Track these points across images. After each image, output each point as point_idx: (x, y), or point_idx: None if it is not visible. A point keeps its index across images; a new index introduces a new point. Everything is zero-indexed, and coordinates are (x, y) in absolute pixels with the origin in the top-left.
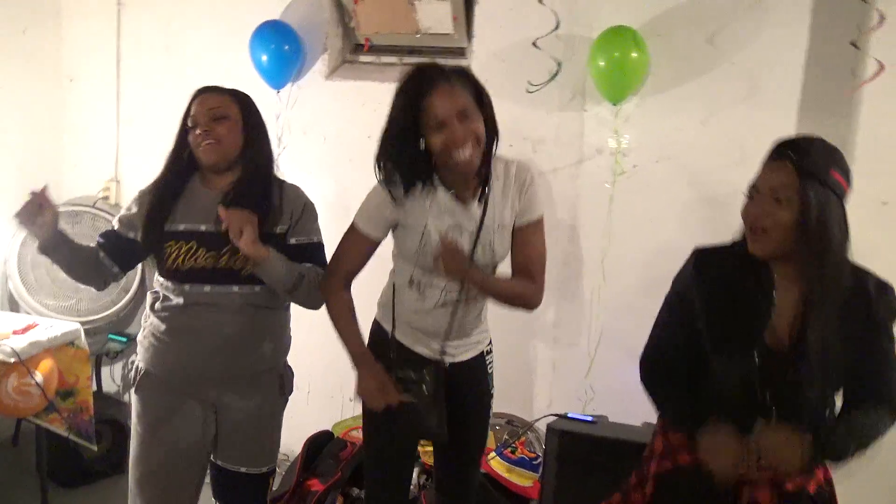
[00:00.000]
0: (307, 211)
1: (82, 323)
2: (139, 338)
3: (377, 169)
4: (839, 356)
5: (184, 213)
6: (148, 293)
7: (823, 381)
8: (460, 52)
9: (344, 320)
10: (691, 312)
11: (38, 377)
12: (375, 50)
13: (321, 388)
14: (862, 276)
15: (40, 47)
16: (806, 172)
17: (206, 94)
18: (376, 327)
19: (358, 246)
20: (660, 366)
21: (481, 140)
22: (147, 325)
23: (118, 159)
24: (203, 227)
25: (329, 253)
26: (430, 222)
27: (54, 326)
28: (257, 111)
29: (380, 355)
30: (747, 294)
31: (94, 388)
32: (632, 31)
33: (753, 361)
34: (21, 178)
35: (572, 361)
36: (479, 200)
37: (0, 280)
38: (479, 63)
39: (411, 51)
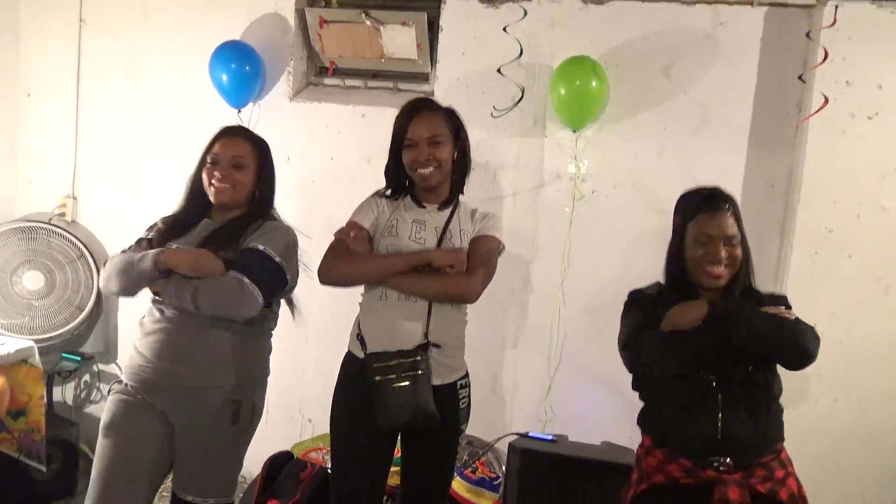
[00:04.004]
0: (273, 230)
1: (36, 341)
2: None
3: (385, 179)
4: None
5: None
6: None
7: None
8: (424, 78)
9: (368, 259)
10: (649, 299)
11: None
12: (340, 73)
13: (281, 408)
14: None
15: None
16: (738, 218)
17: (233, 137)
18: (349, 357)
19: (349, 228)
20: (638, 338)
21: (443, 164)
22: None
23: (76, 176)
24: (174, 245)
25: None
26: (400, 216)
27: (7, 344)
28: (272, 161)
29: (355, 379)
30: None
31: (46, 408)
32: (592, 61)
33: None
34: None
35: (532, 384)
36: (442, 209)
37: None
38: (443, 88)
39: (375, 75)
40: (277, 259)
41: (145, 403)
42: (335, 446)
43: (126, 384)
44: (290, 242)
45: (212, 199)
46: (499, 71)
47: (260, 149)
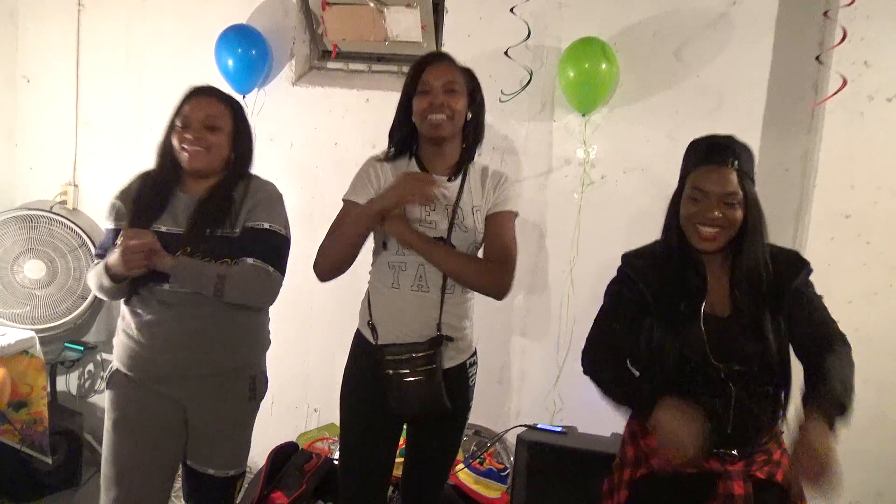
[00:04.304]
0: (267, 199)
1: (37, 331)
2: (114, 340)
3: (389, 138)
4: (769, 320)
5: (153, 210)
6: None
7: (763, 340)
8: None
9: (341, 227)
10: (631, 303)
11: None
12: (343, 57)
13: (286, 398)
14: (773, 253)
15: None
16: (744, 174)
17: (204, 97)
18: (359, 338)
19: (344, 214)
20: (601, 351)
21: (456, 116)
22: (121, 324)
23: (76, 163)
24: (164, 228)
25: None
26: None
27: (7, 335)
28: (247, 121)
29: (366, 364)
30: (683, 276)
31: (49, 398)
32: (601, 43)
33: (700, 328)
34: None
35: (540, 373)
36: (451, 179)
37: None
38: None
39: (379, 58)
40: (283, 232)
41: (153, 393)
42: (344, 424)
43: (125, 374)
44: (281, 202)
45: (184, 165)
46: (506, 53)
47: (234, 109)
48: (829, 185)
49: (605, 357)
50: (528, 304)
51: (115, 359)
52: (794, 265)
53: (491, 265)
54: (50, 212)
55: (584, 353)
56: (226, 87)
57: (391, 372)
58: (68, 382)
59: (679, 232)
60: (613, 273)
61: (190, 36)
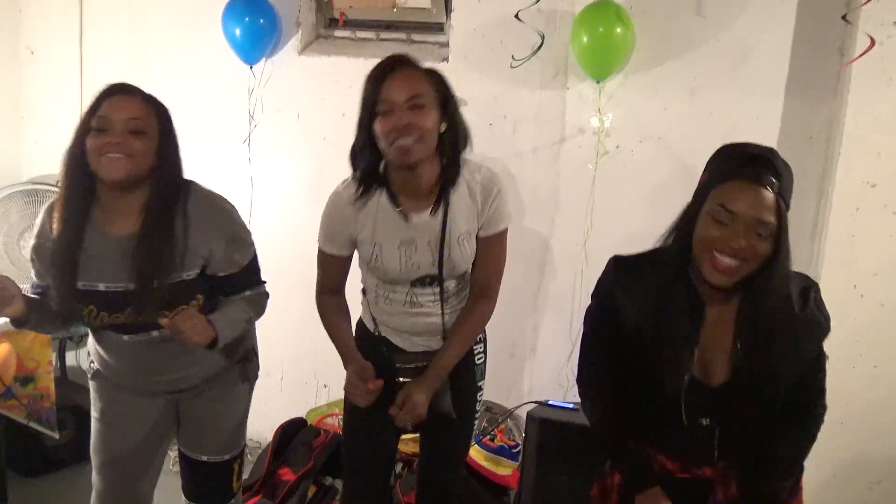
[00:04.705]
0: (228, 236)
1: None
2: (89, 343)
3: (351, 164)
4: (777, 387)
5: (83, 263)
6: None
7: (763, 411)
8: (438, 28)
9: (329, 322)
10: (615, 325)
11: None
12: (351, 25)
13: (295, 374)
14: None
15: None
16: (783, 201)
17: (125, 96)
18: (361, 326)
19: (331, 265)
20: (592, 388)
21: (426, 135)
22: (91, 339)
23: None
24: (102, 286)
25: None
26: (380, 237)
27: None
28: (173, 125)
29: (369, 351)
30: (674, 315)
31: (59, 373)
32: (616, 6)
33: (679, 387)
34: None
35: (553, 348)
36: (433, 212)
37: None
38: (459, 39)
39: (388, 26)
40: (253, 248)
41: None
42: (346, 412)
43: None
44: (233, 215)
45: (103, 176)
46: (517, 16)
47: (160, 111)
48: (854, 153)
49: (591, 393)
50: (541, 279)
51: (94, 359)
52: (818, 328)
53: (482, 306)
54: (56, 186)
55: (577, 380)
56: (227, 58)
57: (401, 380)
58: (78, 358)
59: (683, 256)
60: (629, 248)
61: (195, 3)
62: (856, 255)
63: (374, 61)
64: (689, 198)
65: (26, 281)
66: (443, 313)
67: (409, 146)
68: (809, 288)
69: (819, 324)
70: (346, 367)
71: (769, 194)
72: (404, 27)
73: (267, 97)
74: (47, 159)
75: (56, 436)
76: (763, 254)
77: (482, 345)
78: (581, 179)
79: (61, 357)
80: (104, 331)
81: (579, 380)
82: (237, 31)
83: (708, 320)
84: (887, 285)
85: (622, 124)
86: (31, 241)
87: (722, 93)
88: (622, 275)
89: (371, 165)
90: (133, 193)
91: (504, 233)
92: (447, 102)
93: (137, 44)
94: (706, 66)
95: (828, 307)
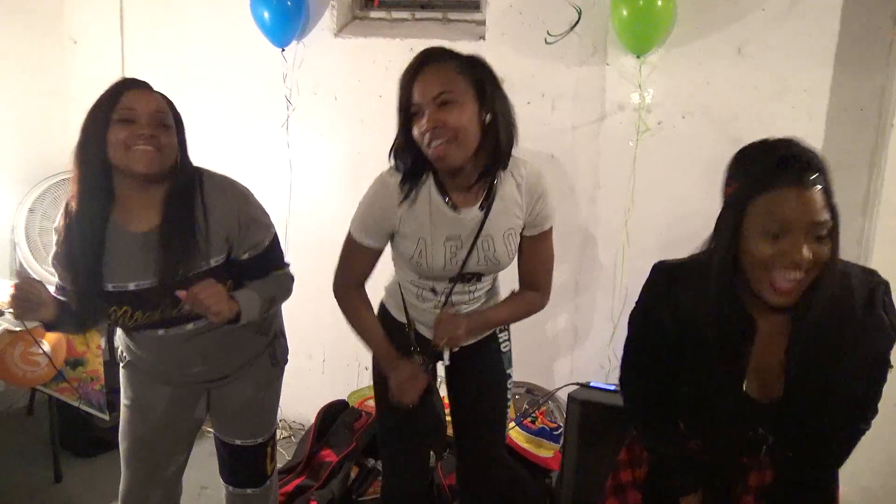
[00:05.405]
0: (245, 218)
1: None
2: (118, 335)
3: (391, 159)
4: (836, 402)
5: (108, 265)
6: None
7: (822, 424)
8: (475, 6)
9: (360, 321)
10: (660, 337)
11: (46, 346)
12: (386, 5)
13: (337, 357)
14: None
15: (42, 8)
16: (829, 191)
17: (145, 90)
18: (383, 311)
19: (362, 257)
20: (634, 400)
21: (460, 134)
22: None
23: None
24: (132, 286)
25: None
26: (427, 232)
27: None
28: (182, 120)
29: (393, 337)
30: (723, 330)
31: (107, 357)
32: None
33: (732, 408)
34: (25, 144)
35: (594, 329)
36: (482, 207)
37: (8, 248)
38: (495, 16)
39: (424, 5)
40: (273, 230)
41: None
42: (378, 391)
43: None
44: (250, 197)
45: (133, 168)
46: None
47: (171, 107)
48: None
49: (637, 405)
50: (581, 259)
51: (124, 350)
52: (884, 335)
53: (534, 297)
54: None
55: (619, 383)
56: (261, 41)
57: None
58: None
59: (729, 270)
60: (672, 224)
61: None
62: None
63: (410, 41)
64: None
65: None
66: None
67: (443, 151)
68: (877, 288)
69: (885, 330)
70: (387, 369)
71: (817, 193)
72: (440, 6)
73: (302, 80)
74: None
75: (106, 417)
76: (825, 258)
77: (506, 333)
78: (622, 157)
79: (109, 341)
80: (137, 332)
81: (622, 383)
82: (266, 14)
83: (760, 334)
84: None
85: (664, 99)
86: (53, 251)
87: (767, 64)
88: (666, 286)
89: (414, 165)
90: (153, 187)
91: (549, 231)
92: (485, 89)
93: (176, 31)
94: (751, 37)
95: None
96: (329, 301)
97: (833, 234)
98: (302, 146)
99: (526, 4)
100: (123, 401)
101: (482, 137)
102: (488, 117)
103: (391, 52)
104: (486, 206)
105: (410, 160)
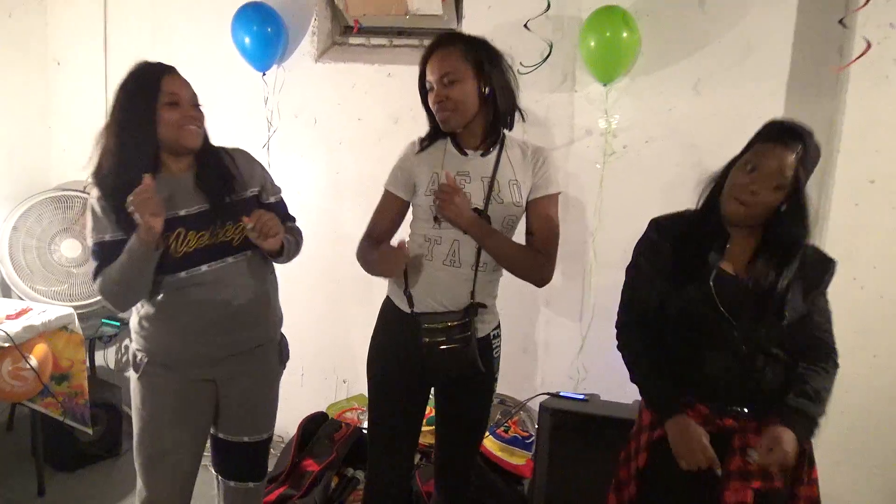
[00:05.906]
0: (262, 167)
1: (75, 307)
2: (132, 324)
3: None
4: (784, 291)
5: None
6: None
7: (775, 309)
8: None
9: (370, 254)
10: (654, 267)
11: (33, 361)
12: (365, 32)
13: (315, 369)
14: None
15: (26, 30)
16: (804, 166)
17: (178, 76)
18: (389, 305)
19: (388, 206)
20: (629, 331)
21: (459, 106)
22: (140, 312)
23: None
24: (183, 212)
25: None
26: (439, 167)
27: (48, 311)
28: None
29: (396, 329)
30: (703, 239)
31: (89, 372)
32: (622, 11)
33: (709, 286)
34: (9, 163)
35: (564, 341)
36: (484, 154)
37: None
38: None
39: (401, 32)
40: (281, 192)
41: (185, 378)
42: (372, 389)
43: (155, 361)
44: (260, 163)
45: (187, 144)
46: (525, 26)
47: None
48: (853, 150)
49: (631, 338)
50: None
51: (141, 349)
52: (824, 264)
53: (541, 258)
54: (83, 192)
55: (616, 326)
56: (243, 64)
57: (427, 340)
58: (106, 357)
59: (715, 198)
60: (637, 242)
61: (213, 13)
62: (856, 248)
63: (388, 67)
64: (695, 192)
65: (57, 284)
66: (475, 280)
67: (446, 118)
68: (830, 260)
69: (827, 258)
70: (385, 253)
71: (789, 158)
72: (417, 33)
73: (283, 103)
74: (75, 166)
75: (90, 431)
76: (770, 203)
77: (499, 339)
78: (590, 179)
79: (91, 357)
80: (182, 273)
81: (619, 324)
82: (246, 40)
83: (733, 244)
84: (886, 278)
85: (629, 125)
86: (96, 197)
87: (725, 93)
88: (662, 220)
89: (434, 128)
90: (185, 157)
91: (555, 197)
92: (483, 66)
93: (161, 54)
94: (710, 68)
95: (829, 298)
96: (309, 315)
97: (793, 196)
98: (283, 167)
99: (499, 35)
100: (139, 412)
101: (482, 105)
102: (487, 90)
103: (370, 77)
104: (492, 156)
105: (432, 123)
